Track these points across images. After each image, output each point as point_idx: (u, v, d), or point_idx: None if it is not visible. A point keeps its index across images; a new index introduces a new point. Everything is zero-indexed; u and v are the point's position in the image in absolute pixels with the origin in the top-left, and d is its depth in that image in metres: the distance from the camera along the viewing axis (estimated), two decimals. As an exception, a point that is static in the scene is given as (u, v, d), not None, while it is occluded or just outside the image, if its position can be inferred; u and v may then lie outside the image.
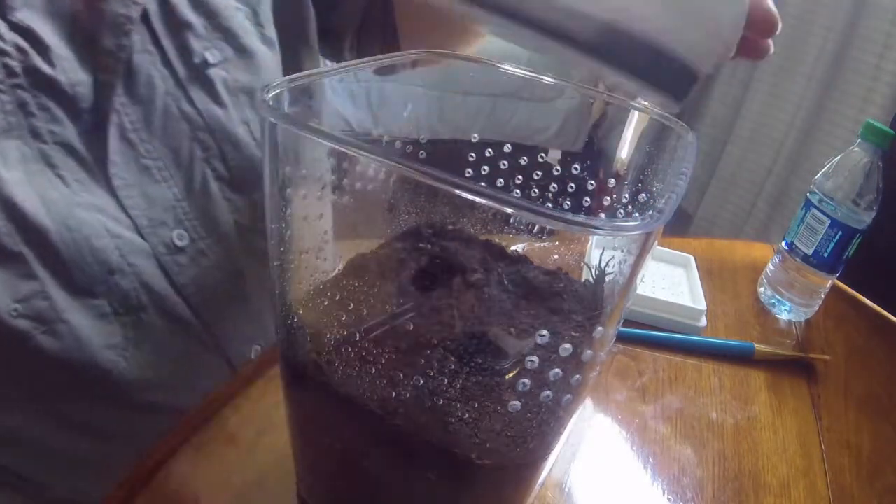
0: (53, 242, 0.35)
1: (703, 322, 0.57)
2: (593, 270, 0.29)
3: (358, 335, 0.27)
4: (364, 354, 0.27)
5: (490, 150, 0.37)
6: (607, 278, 0.27)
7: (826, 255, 0.59)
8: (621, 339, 0.54)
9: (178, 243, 0.42)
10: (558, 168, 0.36)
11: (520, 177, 0.37)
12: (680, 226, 1.89)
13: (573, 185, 0.36)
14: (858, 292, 0.69)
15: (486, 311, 0.28)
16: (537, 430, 0.26)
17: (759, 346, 0.55)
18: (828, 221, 0.58)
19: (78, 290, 0.37)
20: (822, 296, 0.62)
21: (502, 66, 0.35)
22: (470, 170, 0.37)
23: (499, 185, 0.37)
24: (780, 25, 0.21)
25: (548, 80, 0.35)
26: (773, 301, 0.63)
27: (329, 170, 0.28)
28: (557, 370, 0.23)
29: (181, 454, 0.38)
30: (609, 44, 0.22)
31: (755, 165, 1.76)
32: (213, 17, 0.44)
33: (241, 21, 0.46)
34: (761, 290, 0.66)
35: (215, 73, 0.44)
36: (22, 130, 0.35)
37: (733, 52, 0.27)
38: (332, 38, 0.57)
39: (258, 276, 0.48)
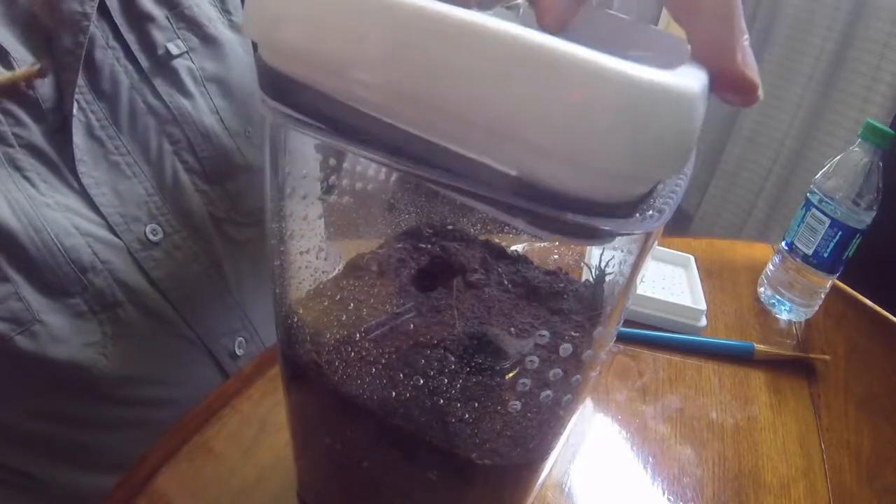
0: (22, 244, 0.35)
1: (703, 322, 0.57)
2: (593, 270, 0.29)
3: (358, 335, 0.27)
4: (364, 354, 0.27)
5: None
6: (607, 278, 0.27)
7: (826, 255, 0.59)
8: (621, 339, 0.54)
9: (152, 238, 0.42)
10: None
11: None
12: (680, 226, 1.89)
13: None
14: (858, 292, 0.69)
15: (486, 311, 0.28)
16: (537, 430, 0.26)
17: (759, 346, 0.55)
18: (828, 221, 0.58)
19: (52, 291, 0.37)
20: (822, 296, 0.62)
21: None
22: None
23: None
24: (758, 88, 0.20)
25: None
26: (773, 301, 0.63)
27: (329, 169, 0.28)
28: (557, 370, 0.23)
29: (181, 454, 0.38)
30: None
31: (755, 165, 1.76)
32: (175, 7, 0.43)
33: (205, 9, 0.46)
34: (761, 290, 0.66)
35: (180, 64, 0.44)
36: None
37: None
38: None
39: (237, 268, 0.48)
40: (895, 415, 0.52)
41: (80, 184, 0.39)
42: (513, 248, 0.35)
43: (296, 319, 0.29)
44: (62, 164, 0.38)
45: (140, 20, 0.42)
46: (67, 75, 0.37)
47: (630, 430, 0.46)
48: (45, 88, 0.37)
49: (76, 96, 0.38)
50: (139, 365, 0.42)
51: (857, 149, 0.57)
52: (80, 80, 0.38)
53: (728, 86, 0.20)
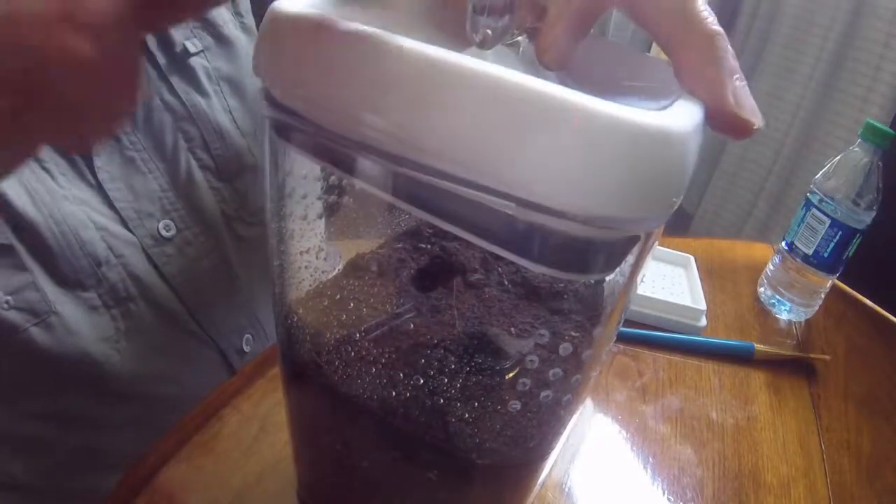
0: (42, 235, 0.36)
1: (703, 322, 0.57)
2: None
3: (358, 335, 0.27)
4: (364, 354, 0.27)
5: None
6: (607, 278, 0.27)
7: (826, 255, 0.59)
8: (621, 339, 0.54)
9: (165, 234, 0.43)
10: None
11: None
12: (680, 226, 1.89)
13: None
14: (858, 292, 0.69)
15: (486, 311, 0.28)
16: (537, 429, 0.26)
17: (759, 346, 0.55)
18: (828, 221, 0.58)
19: (67, 282, 0.38)
20: (822, 296, 0.62)
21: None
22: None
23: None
24: (752, 126, 0.19)
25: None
26: (773, 301, 0.63)
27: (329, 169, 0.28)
28: (557, 370, 0.23)
29: (181, 454, 0.38)
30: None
31: (755, 165, 1.76)
32: None
33: (220, 10, 0.47)
34: (761, 290, 0.66)
35: (196, 62, 0.44)
36: None
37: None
38: None
39: (246, 265, 0.49)
40: (895, 415, 0.52)
41: (96, 178, 0.39)
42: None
43: (296, 319, 0.29)
44: (80, 158, 0.39)
45: None
46: None
47: (630, 430, 0.46)
48: None
49: None
50: (150, 361, 0.42)
51: (857, 149, 0.57)
52: None
53: (720, 125, 0.20)
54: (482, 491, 0.28)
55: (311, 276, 0.29)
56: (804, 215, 0.60)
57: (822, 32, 1.56)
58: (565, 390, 0.25)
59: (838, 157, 0.59)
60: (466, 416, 0.25)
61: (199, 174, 0.45)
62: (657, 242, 0.23)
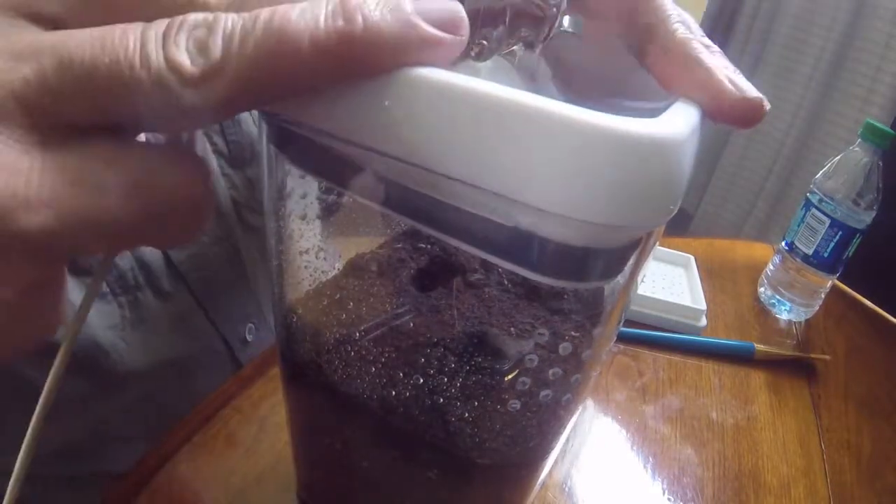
0: None
1: (703, 322, 0.57)
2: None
3: (358, 335, 0.27)
4: (364, 354, 0.27)
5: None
6: (604, 284, 0.27)
7: (826, 255, 0.59)
8: (621, 339, 0.54)
9: None
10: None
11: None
12: (680, 226, 1.89)
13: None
14: (858, 292, 0.69)
15: (486, 311, 0.28)
16: (537, 429, 0.26)
17: (759, 346, 0.55)
18: (828, 221, 0.58)
19: (77, 270, 0.38)
20: (822, 296, 0.62)
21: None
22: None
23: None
24: (765, 106, 0.19)
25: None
26: (773, 301, 0.63)
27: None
28: (557, 369, 0.23)
29: (181, 454, 0.38)
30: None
31: (755, 165, 1.77)
32: None
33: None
34: (761, 290, 0.66)
35: None
36: None
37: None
38: None
39: (252, 254, 0.49)
40: (895, 415, 0.52)
41: None
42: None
43: (295, 319, 0.29)
44: None
45: None
46: None
47: (630, 430, 0.46)
48: None
49: None
50: (155, 349, 0.42)
51: (857, 149, 0.57)
52: None
53: (728, 116, 0.19)
54: (482, 490, 0.28)
55: (311, 276, 0.29)
56: (804, 215, 0.60)
57: (823, 32, 1.57)
58: (565, 390, 0.25)
59: (838, 157, 0.59)
60: (466, 415, 0.25)
61: (212, 160, 0.45)
62: (657, 243, 0.23)
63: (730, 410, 0.49)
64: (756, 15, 1.70)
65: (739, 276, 0.69)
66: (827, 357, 0.57)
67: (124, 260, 0.40)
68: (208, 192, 0.16)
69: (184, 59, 0.14)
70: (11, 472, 0.20)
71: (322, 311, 0.29)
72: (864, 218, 0.57)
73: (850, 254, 0.59)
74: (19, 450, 0.20)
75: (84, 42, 0.14)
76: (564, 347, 0.23)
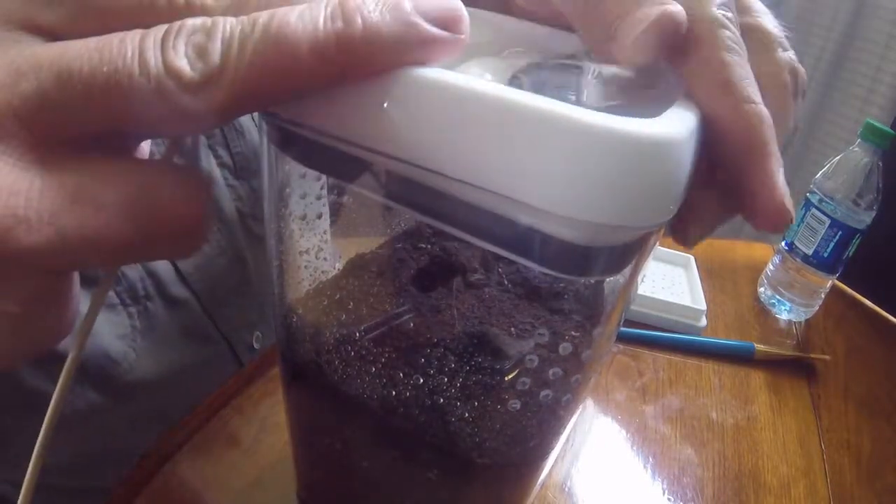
0: None
1: (703, 322, 0.57)
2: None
3: (358, 335, 0.27)
4: (364, 354, 0.27)
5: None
6: (607, 279, 0.27)
7: (826, 255, 0.59)
8: (621, 339, 0.54)
9: None
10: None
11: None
12: (680, 226, 1.88)
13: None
14: (858, 292, 0.69)
15: (486, 311, 0.28)
16: (537, 429, 0.26)
17: (759, 346, 0.55)
18: (828, 221, 0.58)
19: (86, 280, 0.38)
20: (822, 296, 0.62)
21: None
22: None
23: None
24: (791, 218, 0.18)
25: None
26: (773, 301, 0.63)
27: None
28: (557, 369, 0.23)
29: (181, 454, 0.38)
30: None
31: (755, 165, 1.76)
32: None
33: None
34: (761, 290, 0.66)
35: None
36: None
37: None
38: None
39: (258, 262, 0.50)
40: (895, 415, 0.52)
41: None
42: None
43: (296, 319, 0.29)
44: None
45: None
46: None
47: (630, 430, 0.46)
48: None
49: None
50: (164, 357, 0.43)
51: (857, 149, 0.57)
52: None
53: (761, 221, 0.18)
54: (482, 490, 0.28)
55: (311, 276, 0.29)
56: (804, 215, 0.60)
57: (823, 32, 1.56)
58: (565, 390, 0.25)
59: (838, 157, 0.59)
60: (466, 415, 0.25)
61: (217, 171, 0.46)
62: (657, 242, 0.23)
63: (730, 410, 0.49)
64: (756, 15, 1.70)
65: (739, 276, 0.69)
66: (827, 357, 0.57)
67: (133, 270, 0.40)
68: (208, 206, 0.16)
69: (183, 64, 0.14)
70: (21, 483, 0.20)
71: (322, 311, 0.29)
72: (864, 218, 0.57)
73: (850, 254, 0.59)
74: (29, 461, 0.20)
75: (82, 53, 0.14)
76: (564, 347, 0.23)
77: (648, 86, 0.23)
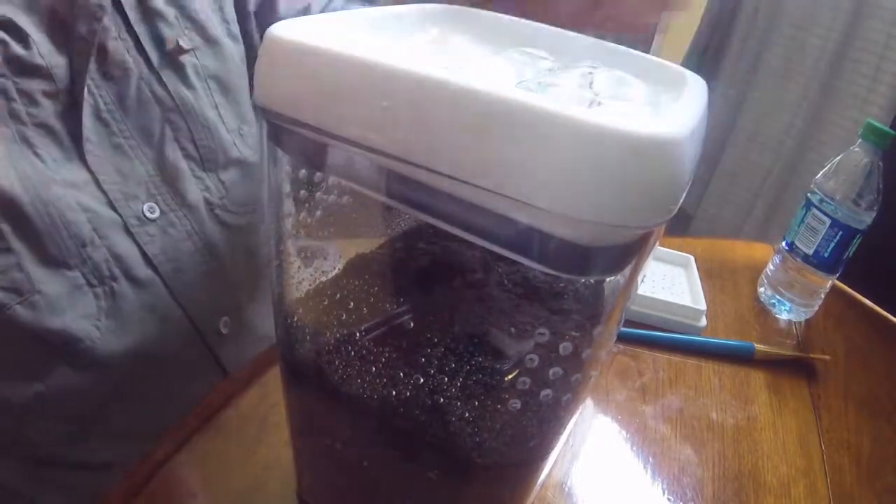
0: (28, 216, 0.38)
1: (703, 322, 0.57)
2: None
3: (358, 335, 0.27)
4: (364, 354, 0.27)
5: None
6: (608, 278, 0.27)
7: (826, 255, 0.59)
8: (621, 339, 0.54)
9: (149, 215, 0.45)
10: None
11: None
12: (680, 226, 1.89)
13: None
14: (858, 292, 0.69)
15: (486, 311, 0.28)
16: (537, 429, 0.26)
17: (759, 346, 0.55)
18: (828, 221, 0.58)
19: (52, 263, 0.40)
20: (822, 296, 0.62)
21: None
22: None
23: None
24: None
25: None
26: (773, 301, 0.63)
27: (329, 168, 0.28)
28: (557, 369, 0.23)
29: (181, 454, 0.38)
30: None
31: (755, 165, 1.76)
32: (183, 8, 0.47)
33: (209, 15, 0.50)
34: (761, 290, 0.66)
35: (186, 60, 0.47)
36: (2, 113, 0.37)
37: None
38: None
39: (231, 250, 0.51)
40: (895, 415, 0.52)
41: (85, 161, 0.41)
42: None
43: (296, 319, 0.29)
44: (70, 141, 0.40)
45: (151, 16, 0.45)
46: (80, 60, 0.40)
47: (630, 430, 0.46)
48: (59, 71, 0.39)
49: (87, 81, 0.41)
50: (129, 337, 0.44)
51: (857, 149, 0.57)
52: (92, 66, 0.41)
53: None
54: (482, 490, 0.28)
55: (311, 276, 0.29)
56: (804, 215, 0.60)
57: (823, 32, 1.56)
58: (565, 390, 0.25)
59: (838, 157, 0.59)
60: (467, 415, 0.25)
61: (183, 163, 0.47)
62: (657, 242, 0.23)
63: (730, 410, 0.49)
64: (756, 15, 1.70)
65: (739, 276, 0.69)
66: (827, 357, 0.57)
67: (98, 252, 0.41)
68: None
69: None
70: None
71: (322, 311, 0.29)
72: (864, 218, 0.57)
73: (851, 254, 0.59)
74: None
75: None
76: (565, 347, 0.23)
77: (648, 86, 0.23)
